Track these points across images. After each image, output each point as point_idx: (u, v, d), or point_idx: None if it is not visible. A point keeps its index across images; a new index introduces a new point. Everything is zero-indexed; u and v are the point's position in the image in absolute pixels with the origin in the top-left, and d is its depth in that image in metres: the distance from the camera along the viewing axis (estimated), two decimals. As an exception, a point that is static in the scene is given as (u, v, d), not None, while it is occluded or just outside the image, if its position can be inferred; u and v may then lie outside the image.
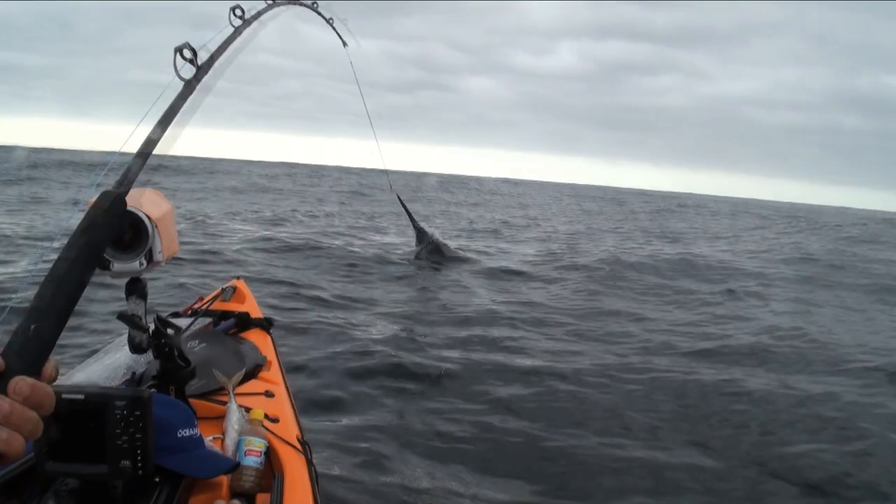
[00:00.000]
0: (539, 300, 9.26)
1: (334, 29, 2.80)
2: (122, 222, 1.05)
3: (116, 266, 1.49)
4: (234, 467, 1.83)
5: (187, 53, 1.30)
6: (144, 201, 1.53)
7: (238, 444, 2.00)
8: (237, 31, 1.70)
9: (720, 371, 6.12)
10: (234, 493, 1.86)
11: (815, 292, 11.05)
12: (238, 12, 1.73)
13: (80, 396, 1.22)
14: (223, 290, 3.80)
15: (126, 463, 1.31)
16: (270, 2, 2.02)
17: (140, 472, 1.33)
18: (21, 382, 0.81)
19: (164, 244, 1.52)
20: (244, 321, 3.22)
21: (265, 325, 3.27)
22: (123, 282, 1.64)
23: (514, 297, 9.46)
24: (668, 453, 4.35)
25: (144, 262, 1.50)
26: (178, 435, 1.61)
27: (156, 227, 1.48)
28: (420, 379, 5.52)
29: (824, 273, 13.44)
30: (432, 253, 12.43)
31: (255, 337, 3.12)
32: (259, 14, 1.86)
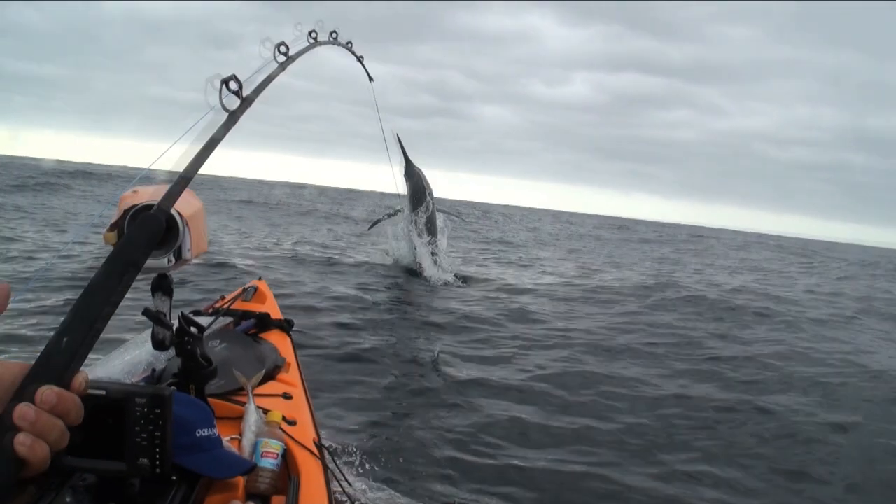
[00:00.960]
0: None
1: (363, 66, 2.91)
2: (153, 238, 1.06)
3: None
4: (250, 469, 1.82)
5: (233, 85, 1.33)
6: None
7: (255, 446, 2.00)
8: (281, 67, 1.77)
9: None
10: (249, 495, 1.85)
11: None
12: (283, 49, 1.80)
13: (102, 392, 1.22)
14: (244, 289, 3.81)
15: (144, 461, 1.30)
16: (312, 41, 2.13)
17: (158, 470, 1.32)
18: (47, 391, 0.82)
19: (194, 242, 1.51)
20: (264, 322, 3.22)
21: (285, 326, 3.27)
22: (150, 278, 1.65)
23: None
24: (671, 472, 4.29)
25: (173, 259, 1.50)
26: (197, 434, 1.61)
27: (187, 224, 1.48)
28: (443, 392, 5.51)
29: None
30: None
31: (275, 338, 3.12)
32: (302, 52, 1.97)
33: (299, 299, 8.60)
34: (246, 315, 3.23)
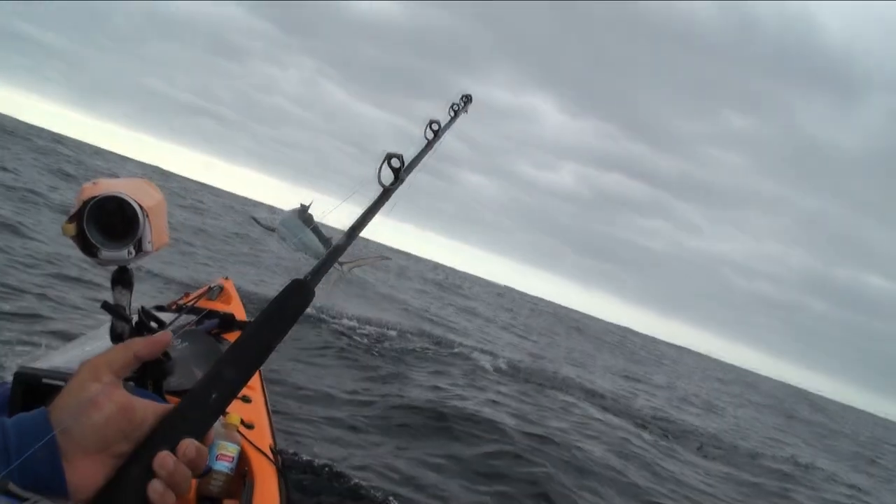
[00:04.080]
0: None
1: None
2: (302, 307, 1.06)
3: (104, 254, 1.46)
4: (205, 472, 1.78)
5: (395, 163, 1.36)
6: (137, 190, 1.51)
7: (210, 448, 1.96)
8: (429, 145, 1.86)
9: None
10: (200, 497, 1.82)
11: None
12: (434, 126, 1.91)
13: (61, 383, 1.19)
14: (210, 287, 3.75)
15: None
16: (453, 114, 2.32)
17: None
18: (191, 445, 0.83)
19: (155, 234, 1.48)
20: (228, 322, 3.17)
21: None
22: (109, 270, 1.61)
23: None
24: None
25: (133, 252, 1.47)
26: None
27: (147, 216, 1.45)
28: (400, 402, 5.52)
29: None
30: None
31: None
32: (448, 126, 2.12)
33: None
34: (210, 314, 3.18)
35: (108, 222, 1.45)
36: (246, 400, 2.48)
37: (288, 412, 5.13)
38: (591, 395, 12.77)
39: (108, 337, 1.82)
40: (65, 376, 1.21)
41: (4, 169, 17.94)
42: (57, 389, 1.21)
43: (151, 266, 9.41)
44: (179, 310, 3.16)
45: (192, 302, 3.43)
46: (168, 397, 1.98)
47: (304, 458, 3.92)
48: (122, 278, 1.65)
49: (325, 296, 12.32)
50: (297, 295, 1.04)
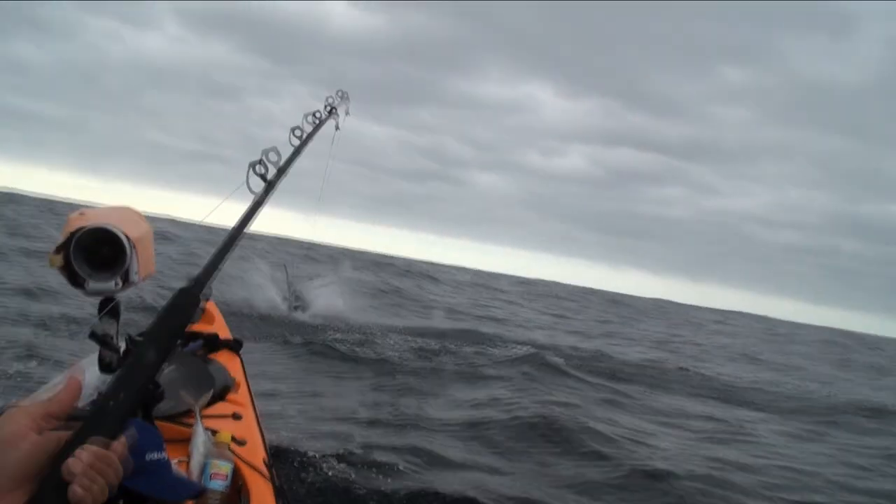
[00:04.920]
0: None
1: (337, 126, 3.12)
2: (190, 313, 1.14)
3: (91, 285, 1.48)
4: (199, 492, 1.81)
5: (260, 169, 1.43)
6: (123, 220, 1.53)
7: (203, 468, 1.98)
8: (297, 151, 1.95)
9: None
10: (198, 517, 1.84)
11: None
12: (297, 132, 2.00)
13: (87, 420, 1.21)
14: None
15: None
16: (317, 122, 2.40)
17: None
18: (84, 451, 0.92)
19: (142, 265, 1.51)
20: (213, 342, 3.18)
21: (234, 346, 3.24)
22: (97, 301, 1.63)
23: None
24: None
25: (120, 283, 1.49)
26: (147, 458, 1.59)
27: (134, 247, 1.48)
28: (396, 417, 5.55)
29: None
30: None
31: (224, 358, 3.09)
32: (312, 134, 2.22)
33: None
34: (194, 336, 3.19)
35: (95, 253, 1.47)
36: (237, 417, 2.50)
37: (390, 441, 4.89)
38: (721, 391, 11.21)
39: (96, 367, 1.84)
40: None
41: (28, 236, 17.46)
42: None
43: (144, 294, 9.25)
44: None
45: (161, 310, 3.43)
46: (159, 423, 2.01)
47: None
48: (110, 308, 1.67)
49: (363, 315, 12.75)
50: (185, 301, 1.14)
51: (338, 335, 10.97)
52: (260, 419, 2.64)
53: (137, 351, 1.03)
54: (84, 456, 0.90)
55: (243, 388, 2.83)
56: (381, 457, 4.32)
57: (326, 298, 14.16)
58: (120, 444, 0.96)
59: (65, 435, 0.94)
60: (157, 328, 1.06)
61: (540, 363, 10.00)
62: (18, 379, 4.92)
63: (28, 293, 9.24)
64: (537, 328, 17.24)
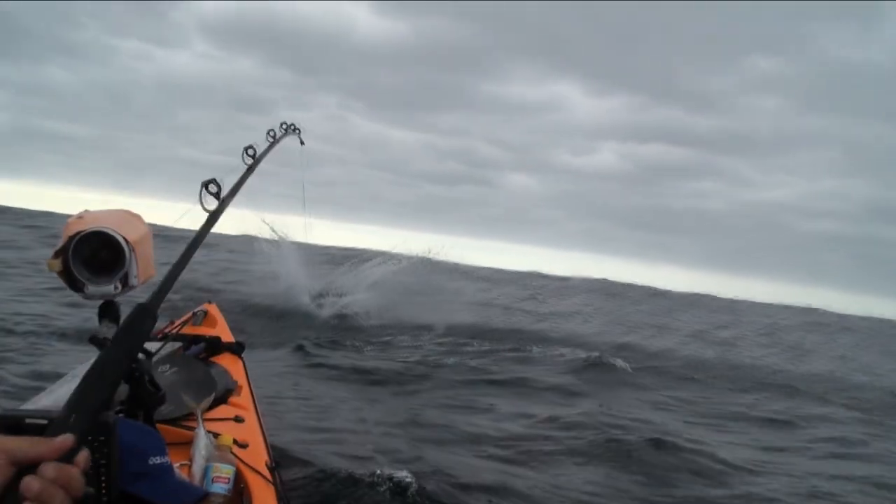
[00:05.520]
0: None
1: (301, 141, 3.39)
2: (149, 323, 1.17)
3: (90, 289, 1.48)
4: (202, 496, 1.81)
5: (213, 188, 1.45)
6: (122, 223, 1.53)
7: (205, 471, 1.98)
8: (250, 170, 1.98)
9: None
10: (201, 521, 1.84)
11: None
12: (251, 151, 2.03)
13: (44, 422, 1.21)
14: (194, 313, 3.76)
15: (90, 490, 1.29)
16: (272, 139, 2.53)
17: (104, 499, 1.31)
18: (46, 467, 0.91)
19: (141, 268, 1.51)
20: (215, 345, 3.18)
21: (236, 349, 3.24)
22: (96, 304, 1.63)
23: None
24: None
25: (119, 286, 1.49)
26: (150, 462, 1.59)
27: (133, 250, 1.48)
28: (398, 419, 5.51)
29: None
30: None
31: (227, 361, 3.09)
32: (266, 152, 2.26)
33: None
34: (196, 339, 3.19)
35: (94, 257, 1.47)
36: (239, 420, 2.50)
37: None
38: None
39: None
40: (47, 415, 1.23)
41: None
42: (41, 429, 1.23)
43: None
44: (165, 338, 3.17)
45: (178, 329, 3.44)
46: (161, 427, 2.01)
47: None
48: (109, 312, 1.67)
49: (391, 313, 12.27)
50: (142, 317, 1.14)
51: (362, 333, 10.60)
52: (262, 422, 2.64)
53: (95, 367, 1.05)
54: (46, 471, 0.91)
55: (245, 392, 2.83)
56: (393, 470, 4.24)
57: (357, 295, 13.56)
58: (82, 458, 0.97)
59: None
60: (117, 343, 1.09)
61: (601, 366, 9.31)
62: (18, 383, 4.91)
63: (72, 304, 9.14)
64: (582, 326, 15.81)
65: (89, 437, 1.27)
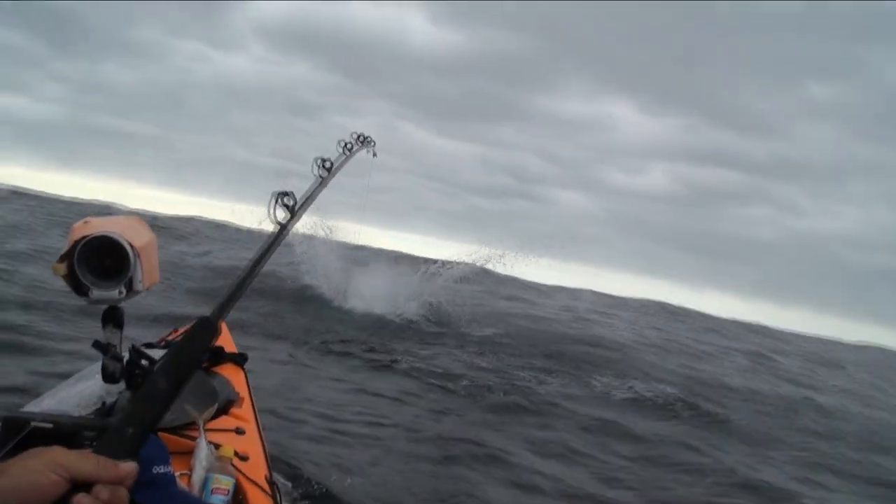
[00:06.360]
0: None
1: (375, 154, 3.35)
2: (209, 343, 1.13)
3: (95, 294, 1.48)
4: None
5: (288, 200, 1.43)
6: (127, 229, 1.53)
7: (205, 482, 1.96)
8: (323, 183, 1.94)
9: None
10: (198, 533, 1.81)
11: None
12: (321, 162, 2.00)
13: (50, 426, 1.20)
14: None
15: None
16: (348, 153, 2.45)
17: None
18: (102, 489, 0.88)
19: (146, 273, 1.50)
20: (217, 355, 3.16)
21: (239, 360, 3.22)
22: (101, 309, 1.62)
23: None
24: None
25: (124, 291, 1.49)
26: (154, 471, 1.58)
27: (138, 255, 1.47)
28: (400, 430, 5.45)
29: None
30: None
31: (228, 372, 3.07)
32: (341, 165, 2.21)
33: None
34: None
35: (99, 262, 1.47)
36: (240, 432, 2.48)
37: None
38: None
39: (99, 376, 1.83)
40: (54, 419, 1.22)
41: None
42: (46, 432, 1.22)
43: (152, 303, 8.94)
44: (168, 345, 3.16)
45: (181, 337, 3.43)
46: (162, 435, 1.99)
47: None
48: (113, 317, 1.66)
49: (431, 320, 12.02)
50: (204, 330, 1.11)
51: (406, 341, 10.14)
52: (263, 435, 2.62)
53: (151, 381, 1.01)
54: (101, 494, 0.88)
55: (247, 403, 2.81)
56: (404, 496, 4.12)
57: (413, 300, 13.11)
58: (129, 476, 0.93)
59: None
60: (174, 357, 1.05)
61: (693, 410, 8.04)
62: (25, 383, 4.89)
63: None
64: (652, 354, 14.14)
65: (94, 443, 1.26)
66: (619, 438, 6.59)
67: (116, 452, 0.93)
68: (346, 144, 2.56)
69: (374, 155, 3.39)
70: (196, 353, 1.08)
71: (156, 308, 8.32)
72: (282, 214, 1.40)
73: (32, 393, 3.58)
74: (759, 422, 8.75)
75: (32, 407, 2.14)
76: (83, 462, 0.90)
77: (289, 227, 1.43)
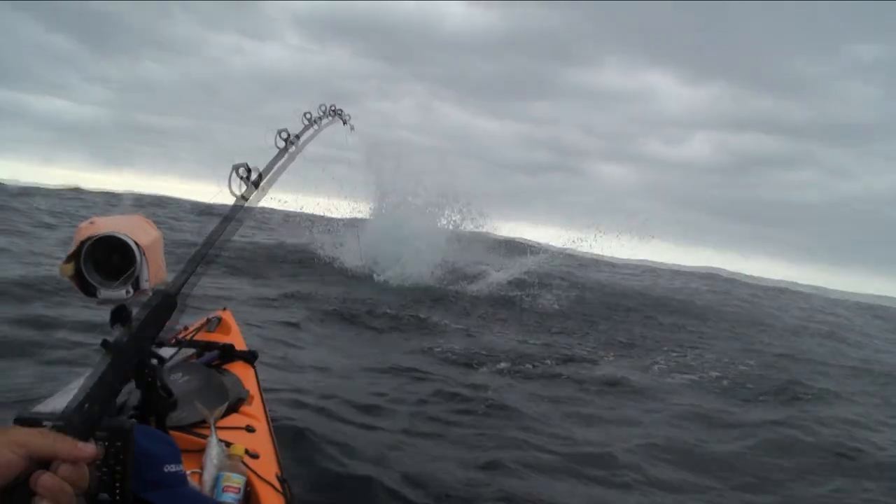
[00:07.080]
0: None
1: (352, 127, 3.23)
2: (166, 318, 1.13)
3: (102, 293, 1.47)
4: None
5: (243, 172, 1.41)
6: (133, 228, 1.52)
7: (216, 480, 1.96)
8: (282, 152, 1.86)
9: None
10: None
11: None
12: (284, 135, 1.90)
13: (61, 424, 1.19)
14: (208, 320, 3.75)
15: (104, 496, 1.27)
16: (307, 123, 2.28)
17: None
18: (65, 467, 0.91)
19: (152, 272, 1.50)
20: (228, 353, 3.17)
21: (249, 357, 3.22)
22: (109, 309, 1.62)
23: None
24: None
25: (131, 290, 1.48)
26: (165, 470, 1.58)
27: (144, 254, 1.47)
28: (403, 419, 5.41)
29: None
30: None
31: (239, 370, 3.07)
32: (299, 136, 2.07)
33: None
34: (209, 346, 3.18)
35: (106, 262, 1.46)
36: (250, 430, 2.48)
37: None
38: None
39: None
40: (64, 418, 1.21)
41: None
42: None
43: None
44: (178, 344, 3.16)
45: (191, 335, 3.44)
46: (172, 433, 1.99)
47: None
48: (121, 316, 1.66)
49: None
50: (163, 304, 1.12)
51: (432, 313, 9.69)
52: (273, 433, 2.62)
53: (108, 356, 1.02)
54: (62, 470, 0.90)
55: (257, 401, 2.81)
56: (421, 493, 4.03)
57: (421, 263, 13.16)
58: (90, 451, 0.95)
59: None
60: (132, 333, 1.05)
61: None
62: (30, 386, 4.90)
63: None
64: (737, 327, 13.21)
65: (106, 443, 1.26)
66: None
67: (74, 430, 0.94)
68: (311, 117, 2.40)
69: (352, 128, 3.34)
70: (157, 323, 1.09)
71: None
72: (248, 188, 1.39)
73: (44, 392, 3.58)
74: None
75: (42, 407, 2.14)
76: (40, 439, 0.91)
77: (246, 200, 1.42)
